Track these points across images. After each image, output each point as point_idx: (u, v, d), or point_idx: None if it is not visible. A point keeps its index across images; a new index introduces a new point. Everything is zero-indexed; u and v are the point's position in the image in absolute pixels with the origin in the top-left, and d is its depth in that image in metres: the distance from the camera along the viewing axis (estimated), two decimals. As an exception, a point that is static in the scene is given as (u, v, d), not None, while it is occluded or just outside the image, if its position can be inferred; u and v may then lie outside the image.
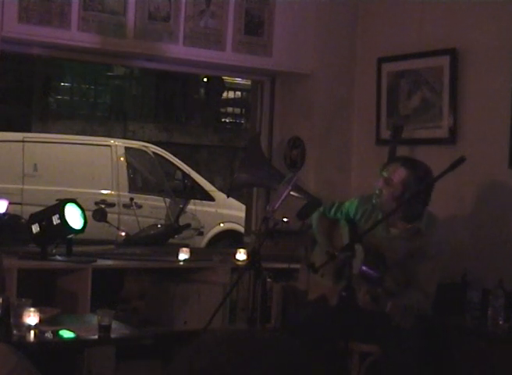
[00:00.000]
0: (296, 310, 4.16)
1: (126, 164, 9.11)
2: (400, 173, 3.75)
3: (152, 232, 5.58)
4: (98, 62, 8.16)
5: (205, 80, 15.17)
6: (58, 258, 4.24)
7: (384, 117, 4.91)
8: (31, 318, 3.11)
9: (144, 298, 4.57)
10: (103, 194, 8.76)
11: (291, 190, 3.86)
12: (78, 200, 4.36)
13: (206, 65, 4.98)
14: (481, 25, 4.41)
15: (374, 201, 3.86)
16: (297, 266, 4.16)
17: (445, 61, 4.54)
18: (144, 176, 9.73)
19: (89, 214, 4.52)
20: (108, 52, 4.62)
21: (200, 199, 9.10)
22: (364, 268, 3.64)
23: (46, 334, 3.13)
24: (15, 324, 3.10)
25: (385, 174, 3.80)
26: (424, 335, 3.71)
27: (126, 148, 9.24)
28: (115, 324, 3.27)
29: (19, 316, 3.12)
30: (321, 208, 4.09)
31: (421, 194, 3.75)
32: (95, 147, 9.18)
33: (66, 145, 9.11)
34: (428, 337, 3.77)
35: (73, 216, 4.21)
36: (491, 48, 4.36)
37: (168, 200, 7.47)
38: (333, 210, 4.07)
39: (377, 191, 3.82)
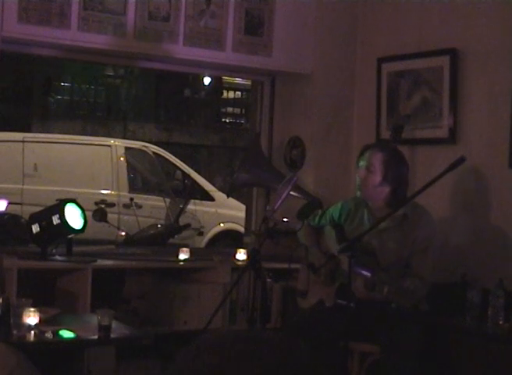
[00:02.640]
0: (296, 310, 4.16)
1: (126, 164, 9.11)
2: (378, 157, 3.82)
3: (152, 232, 5.59)
4: (98, 62, 8.16)
5: (206, 80, 15.16)
6: (58, 258, 4.24)
7: (384, 117, 4.91)
8: (31, 318, 3.11)
9: (144, 298, 4.57)
10: (103, 194, 8.76)
11: (291, 190, 3.86)
12: (78, 200, 4.36)
13: (206, 65, 4.98)
14: (481, 25, 4.41)
15: (358, 194, 3.89)
16: (297, 266, 4.16)
17: (445, 61, 4.54)
18: (143, 176, 9.74)
19: (89, 214, 4.52)
20: (108, 52, 4.62)
21: (200, 199, 9.11)
22: (356, 269, 3.63)
23: (46, 334, 3.13)
24: (15, 324, 3.11)
25: (363, 163, 3.85)
26: (423, 332, 3.72)
27: (126, 148, 9.25)
28: (115, 324, 3.27)
29: (19, 316, 3.12)
30: (307, 221, 4.13)
31: (404, 178, 3.82)
32: (95, 147, 9.19)
33: (66, 145, 9.12)
34: (428, 337, 3.77)
35: (73, 216, 4.21)
36: (491, 48, 4.36)
37: (168, 200, 7.48)
38: (317, 218, 4.12)
39: (358, 183, 3.86)
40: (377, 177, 3.81)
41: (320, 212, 4.13)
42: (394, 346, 3.58)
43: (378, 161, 3.81)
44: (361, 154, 3.91)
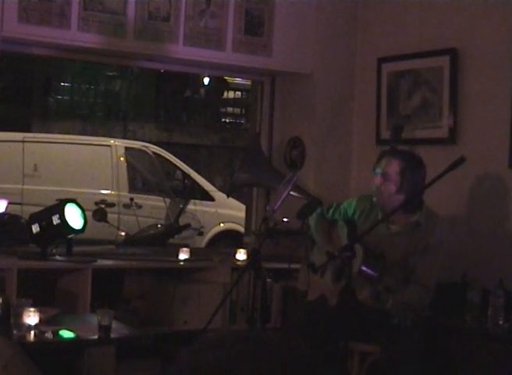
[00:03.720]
0: (296, 310, 4.16)
1: (126, 164, 9.11)
2: (394, 165, 3.78)
3: (152, 232, 5.57)
4: (98, 62, 8.16)
5: (206, 80, 15.16)
6: (58, 258, 4.24)
7: (384, 117, 4.91)
8: (31, 318, 3.11)
9: (144, 298, 4.57)
10: (103, 194, 8.76)
11: (291, 190, 3.85)
12: (78, 200, 4.36)
13: (206, 65, 4.98)
14: (481, 25, 4.41)
15: (374, 199, 3.86)
16: (297, 266, 4.16)
17: (445, 61, 4.54)
18: (143, 176, 9.73)
19: (89, 214, 4.52)
20: (108, 52, 4.62)
21: (200, 199, 9.11)
22: (363, 268, 3.64)
23: (46, 334, 3.13)
24: (15, 324, 3.11)
25: (379, 171, 3.81)
26: (424, 335, 3.71)
27: (126, 148, 9.25)
28: (115, 324, 3.27)
29: (19, 315, 3.12)
30: (320, 210, 4.10)
31: (420, 184, 3.77)
32: (95, 147, 9.18)
33: (66, 145, 9.11)
34: (428, 337, 3.77)
35: (73, 216, 4.21)
36: (491, 48, 4.36)
37: (168, 200, 7.48)
38: (331, 211, 4.07)
39: (375, 189, 3.83)
40: (392, 186, 3.76)
41: (334, 205, 4.10)
42: (395, 349, 3.58)
43: (394, 170, 3.75)
44: (378, 160, 3.87)
